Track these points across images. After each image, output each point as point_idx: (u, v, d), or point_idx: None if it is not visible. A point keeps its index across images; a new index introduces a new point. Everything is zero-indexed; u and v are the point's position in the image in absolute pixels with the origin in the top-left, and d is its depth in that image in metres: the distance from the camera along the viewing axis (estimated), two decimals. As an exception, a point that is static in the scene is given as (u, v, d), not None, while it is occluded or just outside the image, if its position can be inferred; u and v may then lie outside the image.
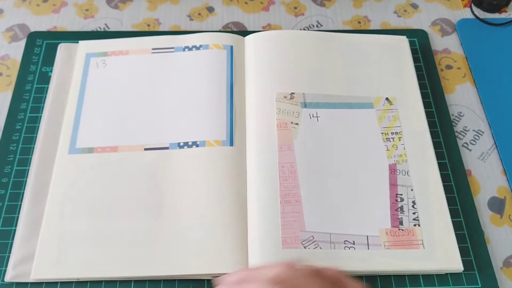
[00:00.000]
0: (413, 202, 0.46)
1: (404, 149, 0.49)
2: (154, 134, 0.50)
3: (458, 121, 0.54)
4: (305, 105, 0.51)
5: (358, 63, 0.54)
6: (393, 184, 0.47)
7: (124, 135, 0.50)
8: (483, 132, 0.54)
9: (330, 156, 0.48)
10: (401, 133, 0.50)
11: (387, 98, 0.52)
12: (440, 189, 0.47)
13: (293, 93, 0.51)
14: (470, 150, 0.53)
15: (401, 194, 0.47)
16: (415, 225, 0.45)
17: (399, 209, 0.46)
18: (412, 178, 0.47)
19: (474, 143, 0.53)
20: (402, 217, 0.45)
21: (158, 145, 0.49)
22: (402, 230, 0.45)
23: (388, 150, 0.49)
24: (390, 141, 0.49)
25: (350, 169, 0.48)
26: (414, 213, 0.46)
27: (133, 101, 0.52)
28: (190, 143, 0.49)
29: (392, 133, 0.50)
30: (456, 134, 0.53)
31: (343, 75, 0.53)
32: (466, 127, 0.54)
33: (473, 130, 0.54)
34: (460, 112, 0.55)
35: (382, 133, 0.50)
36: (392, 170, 0.48)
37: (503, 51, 0.59)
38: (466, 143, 0.53)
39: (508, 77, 0.57)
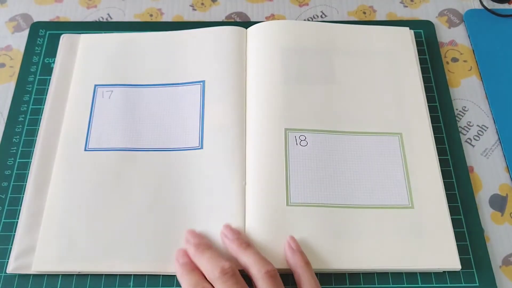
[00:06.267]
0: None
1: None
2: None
3: (462, 116, 0.54)
4: None
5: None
6: None
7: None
8: (487, 128, 0.53)
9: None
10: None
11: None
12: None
13: None
14: (473, 146, 0.52)
15: None
16: None
17: None
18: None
19: (477, 138, 0.52)
20: None
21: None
22: None
23: None
24: None
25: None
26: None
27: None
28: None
29: None
30: (460, 129, 0.53)
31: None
32: (470, 122, 0.53)
33: (477, 126, 0.53)
34: (465, 107, 0.54)
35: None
36: None
37: (511, 44, 0.57)
38: (469, 138, 0.52)
39: (515, 70, 0.56)
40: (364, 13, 0.61)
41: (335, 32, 0.55)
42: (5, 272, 0.44)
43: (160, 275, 0.45)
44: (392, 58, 0.54)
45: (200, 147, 0.48)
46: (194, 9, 0.61)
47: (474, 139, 0.52)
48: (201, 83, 0.51)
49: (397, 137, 0.49)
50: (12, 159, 0.50)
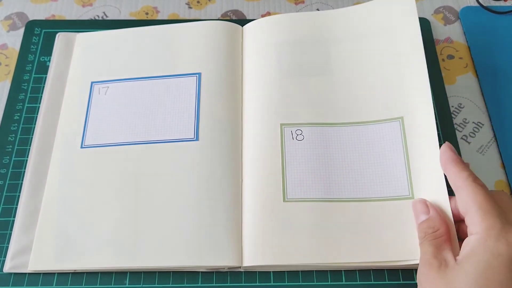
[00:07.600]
0: None
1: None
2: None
3: (458, 113, 0.54)
4: None
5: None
6: None
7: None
8: (483, 125, 0.53)
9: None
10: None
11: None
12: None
13: None
14: (469, 143, 0.52)
15: None
16: None
17: None
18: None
19: (473, 135, 0.52)
20: None
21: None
22: None
23: None
24: None
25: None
26: None
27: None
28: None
29: None
30: (456, 126, 0.53)
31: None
32: (465, 119, 0.53)
33: (473, 122, 0.53)
34: (460, 104, 0.54)
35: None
36: None
37: (507, 41, 0.58)
38: (465, 135, 0.52)
39: (511, 67, 0.56)
40: (360, 10, 0.61)
41: (330, 18, 0.53)
42: (1, 271, 0.44)
43: (156, 272, 0.45)
44: (392, 33, 0.51)
45: (195, 138, 0.48)
46: (189, 7, 0.61)
47: (470, 136, 0.52)
48: (197, 75, 0.51)
49: (398, 122, 0.47)
50: (8, 157, 0.50)
